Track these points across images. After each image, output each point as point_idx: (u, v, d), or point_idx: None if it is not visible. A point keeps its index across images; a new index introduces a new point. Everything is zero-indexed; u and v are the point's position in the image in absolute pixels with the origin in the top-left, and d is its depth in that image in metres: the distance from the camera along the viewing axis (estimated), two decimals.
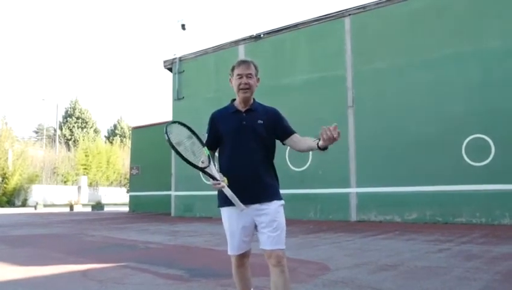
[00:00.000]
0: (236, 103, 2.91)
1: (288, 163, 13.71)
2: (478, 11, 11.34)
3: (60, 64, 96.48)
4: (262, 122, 2.86)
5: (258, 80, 2.91)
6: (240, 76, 2.82)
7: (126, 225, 13.17)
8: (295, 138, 3.00)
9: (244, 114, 2.86)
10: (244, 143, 2.80)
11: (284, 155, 13.74)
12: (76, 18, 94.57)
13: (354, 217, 12.58)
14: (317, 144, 2.79)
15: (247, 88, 2.82)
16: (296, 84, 14.16)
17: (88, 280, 4.79)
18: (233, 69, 2.88)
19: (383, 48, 12.69)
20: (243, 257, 2.89)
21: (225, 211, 2.87)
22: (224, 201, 2.79)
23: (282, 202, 2.84)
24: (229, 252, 2.89)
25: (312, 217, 13.10)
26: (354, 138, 12.82)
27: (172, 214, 17.08)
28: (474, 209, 10.77)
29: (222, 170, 2.76)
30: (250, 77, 2.83)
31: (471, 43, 11.32)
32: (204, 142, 2.84)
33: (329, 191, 13.09)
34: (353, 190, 12.70)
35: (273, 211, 2.74)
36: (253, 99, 2.93)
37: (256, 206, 2.74)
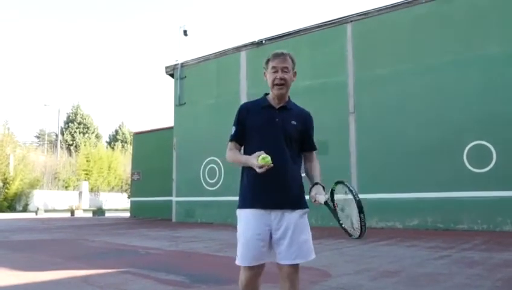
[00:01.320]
0: (270, 98, 2.64)
1: None
2: (479, 18, 11.37)
3: (62, 70, 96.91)
4: (295, 123, 2.59)
5: (294, 74, 2.66)
6: (275, 69, 2.56)
7: (127, 230, 13.15)
8: (312, 156, 2.74)
9: (277, 111, 2.59)
10: (274, 141, 2.51)
11: None
12: (79, 23, 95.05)
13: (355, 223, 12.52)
14: (315, 180, 2.66)
15: (283, 84, 2.56)
16: (297, 90, 14.01)
17: (88, 285, 4.78)
18: (267, 62, 2.61)
19: (384, 55, 12.72)
20: (256, 272, 2.49)
21: (243, 214, 2.53)
22: (245, 202, 2.53)
23: (308, 209, 2.57)
24: (238, 262, 2.49)
25: (313, 223, 13.03)
26: (355, 144, 12.82)
27: (174, 219, 17.06)
28: (476, 216, 10.74)
29: (247, 169, 2.52)
30: (286, 72, 2.57)
31: (472, 50, 11.35)
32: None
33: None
34: None
35: (294, 221, 2.46)
36: (289, 97, 2.69)
37: (277, 213, 2.46)
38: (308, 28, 14.42)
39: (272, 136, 2.52)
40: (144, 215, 20.98)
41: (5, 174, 32.61)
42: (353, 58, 13.27)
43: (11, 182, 32.61)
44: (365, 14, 13.20)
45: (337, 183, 2.55)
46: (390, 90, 12.44)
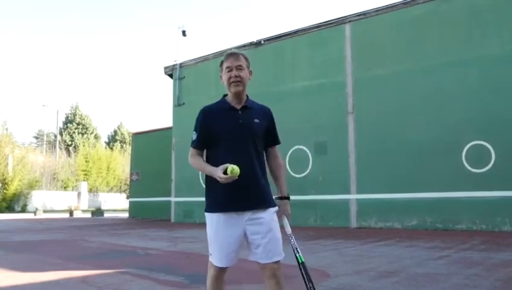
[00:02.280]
0: (229, 99, 2.64)
1: (289, 169, 13.71)
2: (477, 18, 11.38)
3: (60, 70, 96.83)
4: (258, 121, 2.61)
5: (250, 72, 2.65)
6: (230, 69, 2.57)
7: (126, 231, 13.14)
8: (275, 151, 2.79)
9: (239, 112, 2.60)
10: (241, 143, 2.53)
11: (284, 161, 13.72)
12: (78, 24, 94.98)
13: (354, 223, 12.56)
14: (279, 194, 2.72)
15: (239, 81, 2.55)
16: (296, 90, 14.19)
17: (87, 286, 4.77)
18: (221, 63, 2.65)
19: (383, 55, 12.73)
20: (224, 269, 2.59)
21: (214, 218, 2.54)
22: (214, 206, 2.55)
23: (276, 208, 2.64)
24: (216, 264, 2.54)
25: (312, 223, 13.08)
26: (354, 145, 12.83)
27: (172, 220, 17.06)
28: (475, 216, 10.75)
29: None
30: (241, 69, 2.57)
31: (471, 50, 11.36)
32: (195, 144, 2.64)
33: (329, 197, 13.08)
34: (353, 196, 12.68)
35: (268, 220, 2.51)
36: (247, 95, 2.68)
37: (249, 214, 2.49)
38: (306, 28, 14.42)
39: (238, 138, 2.54)
40: (143, 216, 20.96)
41: (3, 175, 32.57)
42: (352, 59, 13.28)
43: (9, 182, 32.56)
44: (364, 15, 13.21)
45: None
46: (389, 91, 12.45)
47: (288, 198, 2.72)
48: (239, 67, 2.58)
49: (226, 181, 2.36)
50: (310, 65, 14.16)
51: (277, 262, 2.50)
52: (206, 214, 2.61)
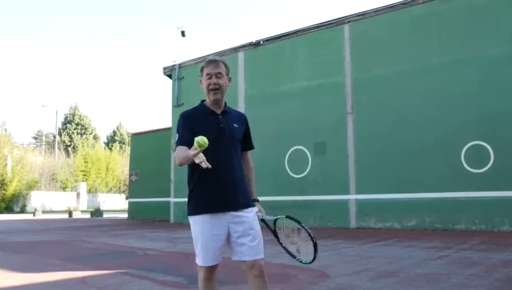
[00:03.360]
0: (208, 104, 2.70)
1: (288, 170, 13.71)
2: (476, 18, 11.39)
3: (59, 70, 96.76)
4: (237, 126, 2.71)
5: (229, 79, 2.72)
6: (209, 76, 2.62)
7: (125, 231, 13.13)
8: (247, 155, 2.86)
9: (220, 116, 2.67)
10: (223, 146, 2.60)
11: (283, 162, 13.75)
12: (76, 24, 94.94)
13: (353, 224, 12.56)
14: (252, 196, 2.77)
15: (217, 88, 2.62)
16: (295, 90, 14.19)
17: (87, 286, 4.77)
18: (202, 69, 2.68)
19: (382, 55, 12.74)
20: (213, 269, 2.63)
21: (198, 219, 2.61)
22: (198, 208, 2.60)
23: (256, 208, 2.72)
24: (201, 264, 2.61)
25: (311, 224, 13.07)
26: (353, 145, 12.83)
27: (172, 220, 17.05)
28: (474, 216, 10.76)
29: (198, 175, 2.58)
30: (220, 77, 2.63)
31: (469, 50, 11.37)
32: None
33: (328, 198, 13.08)
34: (352, 196, 12.69)
35: (251, 219, 2.60)
36: (225, 102, 2.74)
37: (232, 214, 2.56)
38: (305, 29, 14.43)
39: (221, 142, 2.60)
40: (142, 216, 20.95)
41: (2, 176, 32.55)
42: (351, 59, 13.28)
43: (8, 183, 32.54)
44: (363, 15, 13.22)
45: (288, 218, 2.62)
46: (388, 91, 12.46)
47: (258, 200, 2.81)
48: (218, 75, 2.63)
49: (198, 156, 2.26)
50: (309, 65, 14.16)
51: (262, 259, 2.57)
52: (190, 217, 2.67)
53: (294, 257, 2.66)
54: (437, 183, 11.29)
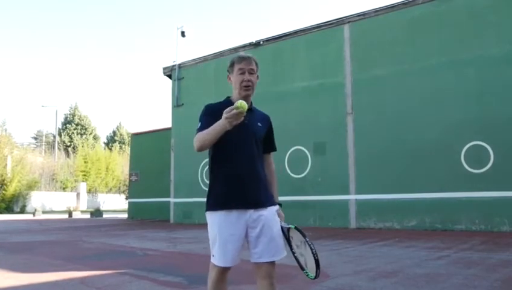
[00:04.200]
0: (234, 100, 2.57)
1: (288, 170, 13.71)
2: (476, 18, 11.40)
3: (59, 70, 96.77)
4: (261, 125, 2.66)
5: (257, 77, 2.67)
6: (242, 71, 2.57)
7: (125, 231, 13.13)
8: (270, 158, 2.80)
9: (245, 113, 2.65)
10: (245, 142, 2.55)
11: (283, 162, 13.75)
12: (76, 24, 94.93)
13: (353, 224, 12.56)
14: (277, 202, 2.70)
15: (250, 85, 2.57)
16: (295, 91, 14.19)
17: (86, 287, 4.77)
18: (232, 65, 2.63)
19: (382, 55, 12.74)
20: (227, 270, 2.53)
21: (216, 216, 2.51)
22: (217, 203, 2.51)
23: (277, 207, 2.65)
24: (217, 264, 2.49)
25: (311, 224, 13.08)
26: (353, 145, 12.83)
27: (172, 220, 17.05)
28: (474, 216, 10.76)
29: (218, 170, 2.56)
30: (252, 73, 2.60)
31: (469, 51, 11.37)
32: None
33: (328, 198, 13.08)
34: (352, 197, 12.68)
35: (270, 219, 2.52)
36: (251, 102, 2.69)
37: (251, 212, 2.48)
38: (305, 29, 14.43)
39: (244, 138, 2.55)
40: (142, 217, 20.95)
41: (2, 176, 32.55)
42: (351, 59, 13.28)
43: (8, 183, 32.54)
44: (363, 15, 13.22)
45: (296, 229, 2.57)
46: (388, 91, 12.46)
47: (280, 205, 2.74)
48: (251, 71, 2.60)
49: (236, 114, 2.26)
50: (309, 66, 14.16)
51: (273, 263, 2.51)
52: (208, 213, 2.58)
53: (303, 269, 2.59)
54: (437, 183, 11.28)
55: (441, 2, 11.94)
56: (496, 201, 10.48)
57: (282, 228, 2.62)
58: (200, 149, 2.47)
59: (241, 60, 2.61)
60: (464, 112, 11.18)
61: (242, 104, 2.27)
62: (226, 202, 2.49)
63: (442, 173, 11.24)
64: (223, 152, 2.54)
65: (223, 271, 2.52)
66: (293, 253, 2.60)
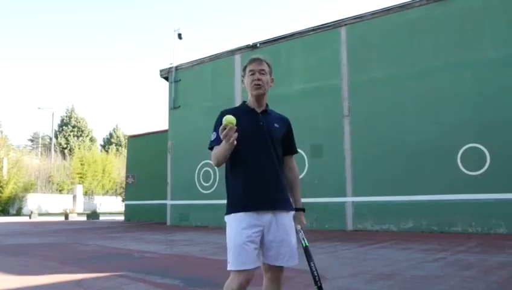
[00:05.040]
0: (250, 103, 2.67)
1: None
2: (472, 21, 11.44)
3: (56, 72, 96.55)
4: (278, 126, 2.65)
5: (272, 80, 2.69)
6: (253, 72, 2.62)
7: (121, 234, 13.09)
8: (292, 162, 2.76)
9: (260, 115, 2.63)
10: (262, 144, 2.54)
11: None
12: (73, 26, 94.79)
13: (350, 226, 12.56)
14: (297, 204, 2.70)
15: (260, 84, 2.60)
16: (291, 93, 14.19)
17: (82, 289, 4.75)
18: (244, 68, 2.68)
19: (378, 58, 12.77)
20: (250, 277, 2.39)
21: (235, 219, 2.47)
22: (236, 206, 2.48)
23: (297, 212, 2.65)
24: (236, 267, 2.38)
25: (308, 226, 12.98)
26: (350, 147, 12.85)
27: (168, 223, 17.01)
28: (470, 219, 10.78)
29: (236, 173, 2.54)
30: (263, 74, 2.62)
31: (466, 53, 11.42)
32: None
33: (325, 200, 13.08)
34: (349, 199, 12.70)
35: (287, 223, 2.50)
36: (267, 104, 2.72)
37: (269, 215, 2.46)
38: (302, 32, 14.45)
39: (260, 139, 2.55)
40: (139, 219, 20.90)
41: None
42: (347, 62, 13.31)
43: (4, 185, 32.39)
44: (359, 18, 13.26)
45: (305, 250, 2.55)
46: (384, 94, 12.49)
47: (303, 210, 2.71)
48: (262, 72, 2.63)
49: (227, 133, 2.27)
50: (305, 68, 14.19)
51: (282, 267, 2.50)
52: (227, 217, 2.53)
53: (315, 283, 2.51)
54: (433, 185, 11.31)
55: (437, 5, 11.99)
56: (492, 203, 10.50)
57: (299, 236, 2.60)
58: (218, 165, 2.51)
59: (252, 61, 2.66)
60: (461, 115, 11.21)
61: (227, 119, 2.28)
62: (244, 205, 2.47)
63: (438, 175, 11.26)
64: (239, 155, 2.52)
65: (243, 279, 2.37)
66: (310, 265, 2.52)
